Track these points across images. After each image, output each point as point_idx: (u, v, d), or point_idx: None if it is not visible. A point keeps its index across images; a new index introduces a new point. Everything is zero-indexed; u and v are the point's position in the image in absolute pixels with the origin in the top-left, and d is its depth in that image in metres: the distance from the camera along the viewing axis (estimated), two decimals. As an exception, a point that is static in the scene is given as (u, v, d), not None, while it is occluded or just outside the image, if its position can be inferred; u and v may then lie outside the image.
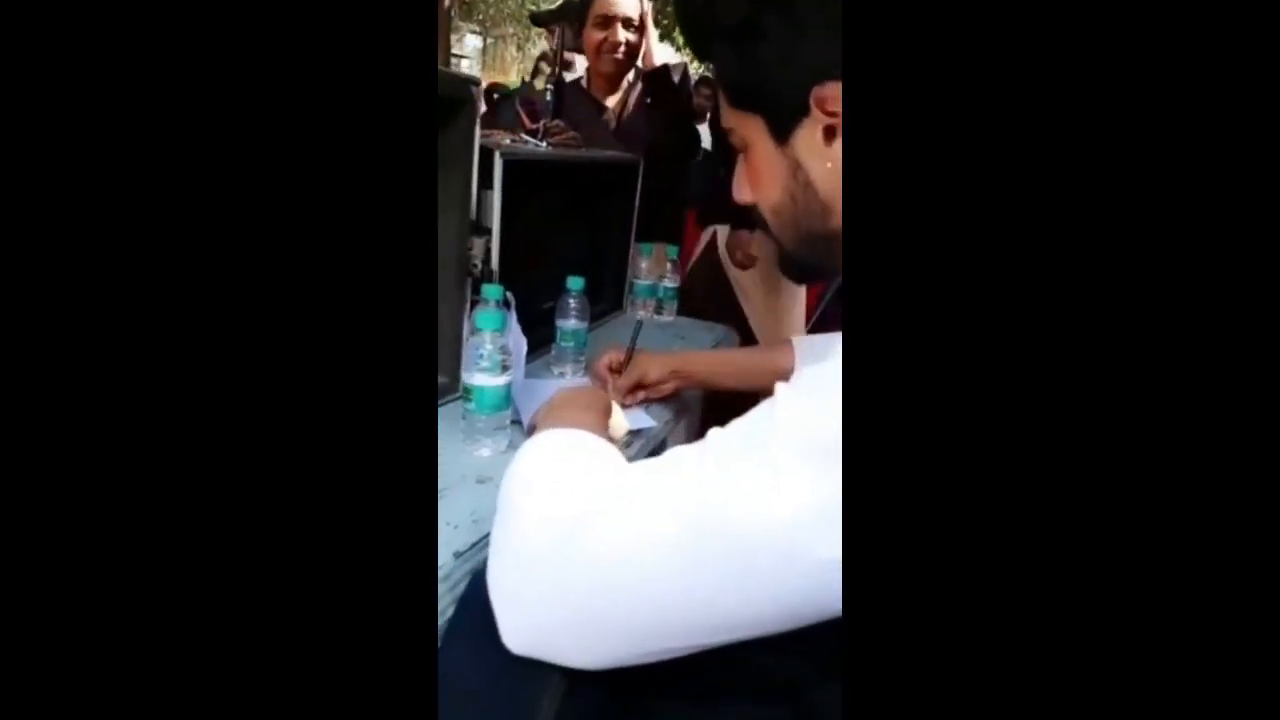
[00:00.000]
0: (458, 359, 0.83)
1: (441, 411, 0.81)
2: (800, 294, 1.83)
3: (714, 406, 1.09)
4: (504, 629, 0.39)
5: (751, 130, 0.48)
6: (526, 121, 1.13)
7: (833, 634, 0.51)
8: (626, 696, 0.48)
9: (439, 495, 0.65)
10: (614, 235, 1.34)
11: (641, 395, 0.95)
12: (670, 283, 1.36)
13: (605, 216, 1.31)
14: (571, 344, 1.01)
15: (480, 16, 9.60)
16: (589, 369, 1.01)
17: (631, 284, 1.37)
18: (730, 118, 0.49)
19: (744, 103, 0.48)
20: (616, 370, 0.95)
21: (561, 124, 1.16)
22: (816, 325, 2.25)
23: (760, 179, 0.49)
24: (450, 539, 0.58)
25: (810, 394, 0.36)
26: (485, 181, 0.91)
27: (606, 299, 1.36)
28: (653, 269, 1.35)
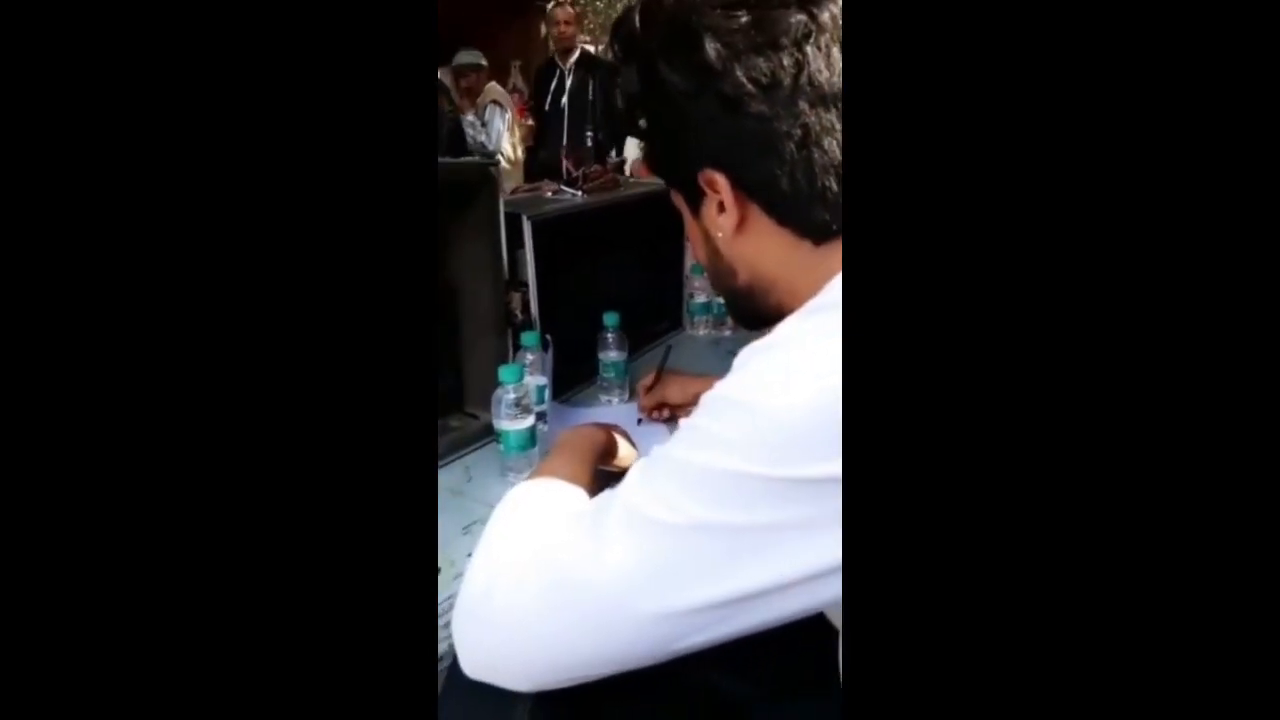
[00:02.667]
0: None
1: (485, 451, 0.94)
2: None
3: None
4: (459, 658, 0.50)
5: (678, 202, 0.56)
6: (571, 169, 1.24)
7: (782, 655, 0.58)
8: (586, 710, 0.58)
9: (468, 530, 0.78)
10: (667, 258, 1.43)
11: (667, 413, 1.04)
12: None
13: (656, 242, 1.40)
14: (613, 374, 1.12)
15: (590, 25, 9.88)
16: (634, 393, 1.12)
17: (688, 302, 1.45)
18: (670, 191, 0.58)
19: (667, 182, 0.56)
20: (650, 390, 1.05)
21: (600, 168, 1.26)
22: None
23: (693, 243, 0.58)
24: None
25: (652, 466, 0.44)
26: (518, 242, 1.04)
27: (666, 319, 1.45)
28: (705, 287, 1.42)
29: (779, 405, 0.38)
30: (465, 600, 0.49)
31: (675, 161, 0.53)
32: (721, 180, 0.49)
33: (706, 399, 0.44)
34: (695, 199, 0.53)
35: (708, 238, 0.54)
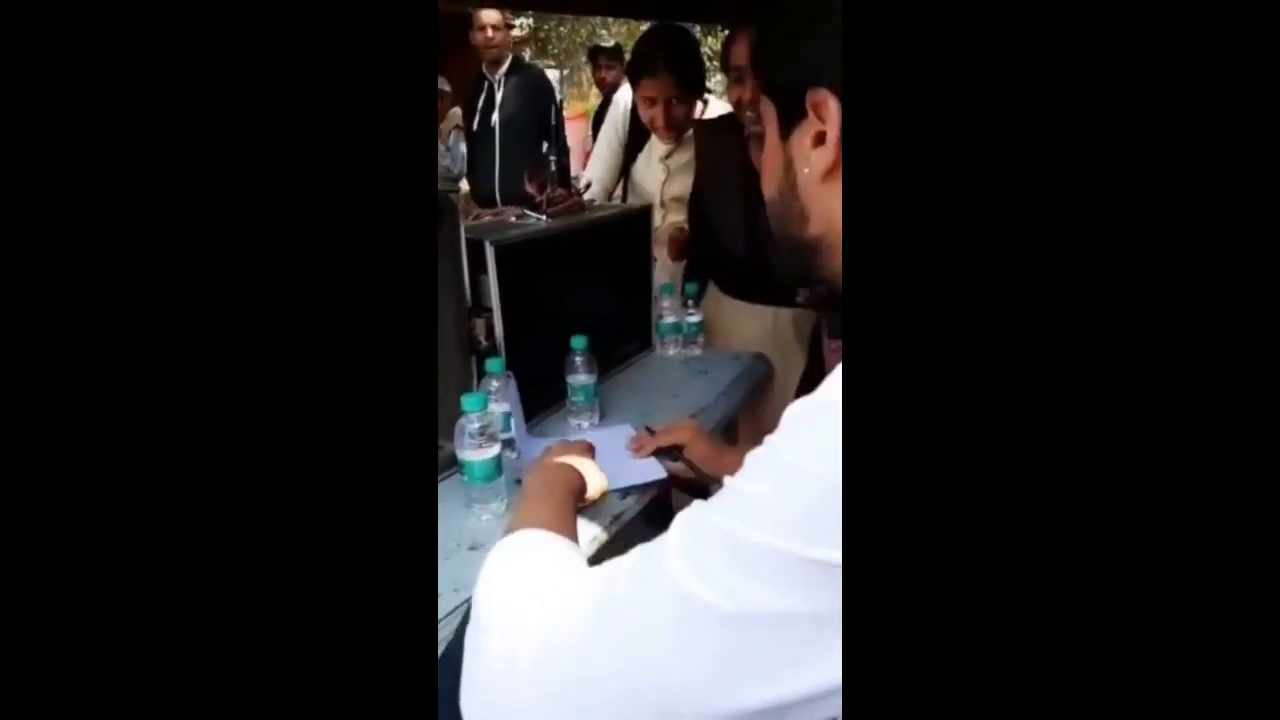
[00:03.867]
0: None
1: (450, 482, 0.91)
2: None
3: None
4: None
5: (768, 117, 0.47)
6: (534, 193, 1.22)
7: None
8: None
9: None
10: (634, 279, 1.42)
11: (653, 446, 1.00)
12: (693, 317, 1.42)
13: (623, 263, 1.38)
14: (581, 398, 1.10)
15: (554, 50, 9.97)
16: (604, 415, 1.10)
17: (657, 323, 1.44)
18: (760, 100, 0.49)
19: (766, 88, 0.48)
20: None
21: (564, 192, 1.25)
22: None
23: (766, 169, 0.49)
24: (431, 607, 0.67)
25: (699, 537, 0.38)
26: (481, 267, 1.02)
27: (634, 339, 1.43)
28: (674, 307, 1.41)
29: (839, 478, 0.33)
30: (482, 672, 0.44)
31: (785, 66, 0.44)
32: (833, 108, 0.40)
33: (754, 459, 0.39)
34: (791, 119, 0.44)
35: (789, 169, 0.45)
